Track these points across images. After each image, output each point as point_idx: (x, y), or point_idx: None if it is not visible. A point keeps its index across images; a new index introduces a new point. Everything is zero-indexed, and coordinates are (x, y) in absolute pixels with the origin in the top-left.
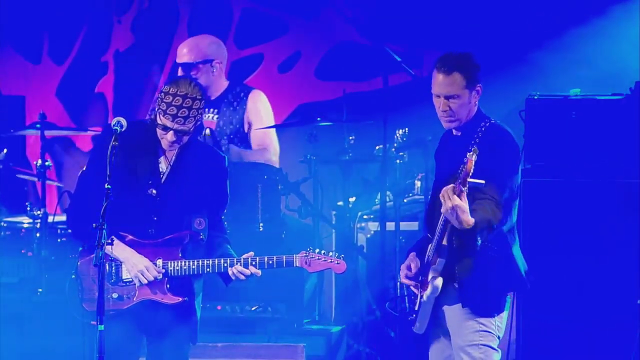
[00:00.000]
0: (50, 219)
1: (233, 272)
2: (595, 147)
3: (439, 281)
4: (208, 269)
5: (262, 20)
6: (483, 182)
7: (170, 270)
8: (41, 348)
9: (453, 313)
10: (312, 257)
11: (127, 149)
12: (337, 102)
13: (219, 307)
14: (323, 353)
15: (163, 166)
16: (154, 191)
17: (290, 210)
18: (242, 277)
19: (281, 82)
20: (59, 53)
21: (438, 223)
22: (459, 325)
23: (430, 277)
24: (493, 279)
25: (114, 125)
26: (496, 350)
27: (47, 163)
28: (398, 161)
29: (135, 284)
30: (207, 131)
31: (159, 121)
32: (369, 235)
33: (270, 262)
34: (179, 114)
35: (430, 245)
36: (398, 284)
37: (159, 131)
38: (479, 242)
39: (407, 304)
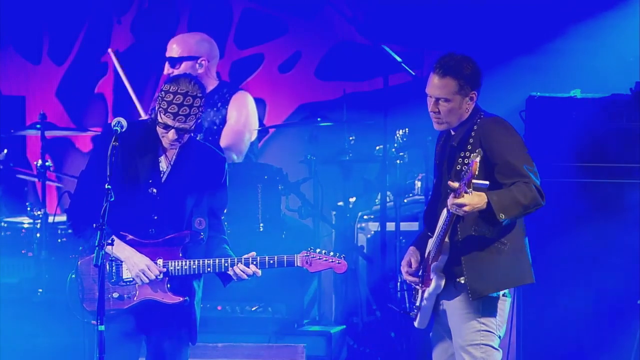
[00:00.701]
0: (50, 219)
1: (235, 272)
2: (595, 147)
3: (442, 279)
4: (209, 269)
5: (262, 20)
6: (487, 183)
7: (171, 270)
8: (41, 348)
9: (454, 311)
10: (313, 257)
11: (127, 149)
12: (337, 102)
13: (219, 307)
14: (323, 353)
15: (163, 165)
16: (155, 190)
17: (290, 211)
18: (245, 276)
19: (281, 82)
20: (59, 53)
21: (439, 220)
22: (460, 324)
23: (432, 274)
24: (502, 274)
25: (114, 126)
26: (497, 349)
27: (47, 163)
28: (398, 161)
29: (135, 284)
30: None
31: (159, 120)
32: (369, 236)
33: (271, 261)
34: (179, 112)
35: (429, 241)
36: (398, 283)
37: (160, 130)
38: (488, 234)
39: (406, 301)
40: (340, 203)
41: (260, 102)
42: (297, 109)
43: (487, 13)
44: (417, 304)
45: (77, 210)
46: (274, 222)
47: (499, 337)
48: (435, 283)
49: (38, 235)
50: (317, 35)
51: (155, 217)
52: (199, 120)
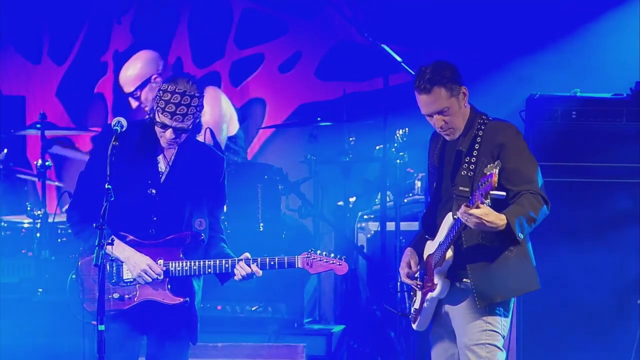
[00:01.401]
0: (50, 219)
1: (238, 271)
2: (595, 147)
3: (448, 285)
4: (209, 270)
5: (262, 20)
6: (504, 194)
7: (172, 270)
8: (41, 348)
9: (459, 312)
10: (314, 259)
11: (126, 149)
12: (337, 102)
13: (219, 307)
14: (323, 353)
15: (162, 166)
16: (154, 191)
17: (290, 210)
18: (244, 273)
19: (281, 82)
20: (59, 53)
21: (442, 225)
22: (466, 324)
23: (436, 278)
24: (508, 280)
25: (114, 125)
26: (502, 350)
27: (47, 163)
28: (398, 161)
29: (136, 285)
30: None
31: (157, 119)
32: (369, 235)
33: (272, 262)
34: (177, 112)
35: (428, 243)
36: (398, 284)
37: (157, 129)
38: (496, 243)
39: (406, 302)
40: (340, 203)
41: (260, 102)
42: (297, 109)
43: (487, 13)
44: (416, 306)
45: (77, 210)
46: (274, 222)
47: (504, 337)
48: (441, 288)
49: (38, 235)
50: (317, 35)
51: (155, 218)
52: (197, 120)
